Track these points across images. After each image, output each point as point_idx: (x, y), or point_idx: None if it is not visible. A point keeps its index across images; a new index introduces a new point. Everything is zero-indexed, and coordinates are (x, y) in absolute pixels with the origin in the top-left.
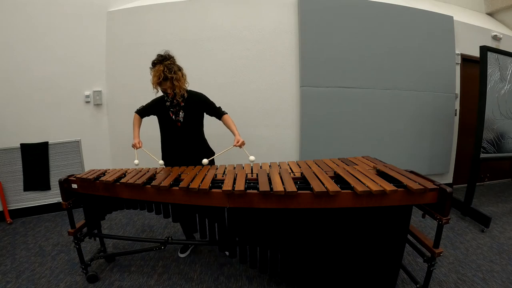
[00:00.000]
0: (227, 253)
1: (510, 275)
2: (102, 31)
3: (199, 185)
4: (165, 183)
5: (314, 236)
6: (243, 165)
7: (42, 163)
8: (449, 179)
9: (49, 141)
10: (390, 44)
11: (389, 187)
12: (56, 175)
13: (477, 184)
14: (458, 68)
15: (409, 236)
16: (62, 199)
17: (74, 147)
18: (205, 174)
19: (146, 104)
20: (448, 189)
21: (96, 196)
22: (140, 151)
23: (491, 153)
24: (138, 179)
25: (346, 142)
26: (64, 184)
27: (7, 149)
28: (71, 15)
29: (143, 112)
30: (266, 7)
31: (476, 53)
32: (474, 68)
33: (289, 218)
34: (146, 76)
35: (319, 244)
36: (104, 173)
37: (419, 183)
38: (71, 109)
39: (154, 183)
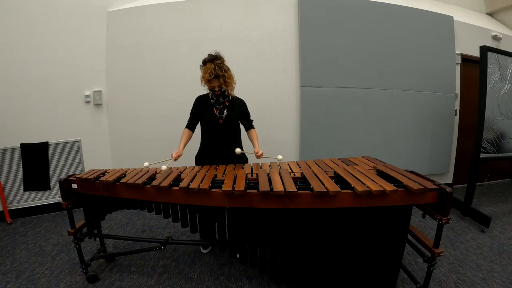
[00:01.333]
0: (238, 255)
1: (510, 275)
2: (102, 31)
3: (199, 185)
4: (165, 183)
5: (314, 236)
6: (243, 165)
7: (42, 163)
8: (449, 179)
9: (49, 141)
10: (390, 44)
11: (389, 187)
12: (56, 175)
13: (477, 184)
14: (458, 68)
15: (409, 236)
16: (62, 199)
17: (74, 147)
18: (205, 174)
19: (190, 113)
20: (448, 189)
21: (96, 196)
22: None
23: (491, 153)
24: (138, 179)
25: (346, 142)
26: (64, 184)
27: (7, 149)
28: (71, 15)
29: (191, 122)
30: (266, 7)
31: (476, 53)
32: (474, 68)
33: (289, 218)
34: (146, 76)
35: (319, 244)
36: (104, 173)
37: (419, 183)
38: (71, 109)
39: (154, 183)
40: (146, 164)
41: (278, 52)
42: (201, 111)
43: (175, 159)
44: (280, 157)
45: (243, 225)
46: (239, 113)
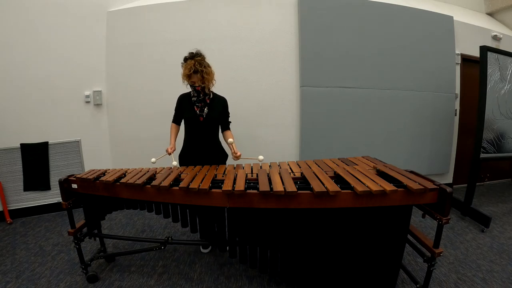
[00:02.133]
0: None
1: (510, 275)
2: (102, 31)
3: (199, 185)
4: (165, 183)
5: (314, 236)
6: (243, 165)
7: (42, 163)
8: (449, 179)
9: (49, 141)
10: (390, 44)
11: (389, 187)
12: (56, 175)
13: (477, 184)
14: (458, 68)
15: (409, 236)
16: (62, 199)
17: (74, 147)
18: (205, 174)
19: (174, 109)
20: (448, 189)
21: (96, 196)
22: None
23: (491, 153)
24: (138, 179)
25: (346, 142)
26: (64, 184)
27: (7, 149)
28: (71, 15)
29: (176, 117)
30: (266, 7)
31: (476, 53)
32: (474, 68)
33: (289, 218)
34: (146, 76)
35: (319, 244)
36: (104, 173)
37: (419, 183)
38: (71, 109)
39: (154, 183)
40: (153, 160)
41: (278, 52)
42: (183, 109)
43: (170, 154)
44: (261, 157)
45: (243, 225)
46: (221, 111)
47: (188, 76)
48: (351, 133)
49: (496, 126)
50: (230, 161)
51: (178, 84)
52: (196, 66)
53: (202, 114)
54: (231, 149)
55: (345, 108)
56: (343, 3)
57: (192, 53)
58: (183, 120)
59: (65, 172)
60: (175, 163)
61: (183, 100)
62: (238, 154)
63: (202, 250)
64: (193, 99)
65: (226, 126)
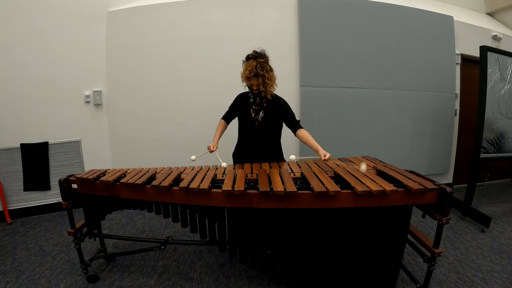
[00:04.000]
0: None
1: (510, 275)
2: (102, 31)
3: (199, 185)
4: (165, 183)
5: (314, 236)
6: (243, 165)
7: (42, 163)
8: (449, 179)
9: (49, 141)
10: (390, 44)
11: (389, 187)
12: (56, 175)
13: (477, 184)
14: (458, 68)
15: (409, 236)
16: (62, 199)
17: (74, 147)
18: (205, 174)
19: (229, 106)
20: (448, 189)
21: (96, 196)
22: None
23: (491, 153)
24: (138, 179)
25: (346, 142)
26: (64, 184)
27: (7, 149)
28: (71, 15)
29: (228, 114)
30: (266, 7)
31: (476, 53)
32: (474, 68)
33: (289, 218)
34: (146, 76)
35: (319, 244)
36: (104, 173)
37: (419, 183)
38: (71, 109)
39: (154, 183)
40: (193, 157)
41: (278, 51)
42: (239, 109)
43: (212, 152)
44: (363, 167)
45: (243, 225)
46: (278, 116)
47: (247, 78)
48: (351, 133)
49: (496, 126)
50: None
51: (178, 83)
52: (257, 69)
53: (257, 118)
54: (318, 151)
55: (345, 108)
56: (343, 3)
57: (257, 52)
58: (237, 119)
59: (65, 172)
60: (224, 164)
61: (240, 100)
62: (328, 156)
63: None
64: (250, 100)
65: (294, 127)
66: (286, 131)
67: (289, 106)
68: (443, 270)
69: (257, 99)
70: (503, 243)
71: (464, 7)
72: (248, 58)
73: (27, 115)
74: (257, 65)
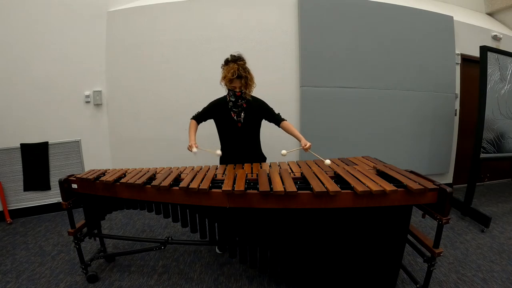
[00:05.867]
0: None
1: (510, 275)
2: (102, 31)
3: (199, 185)
4: (165, 183)
5: (314, 236)
6: (243, 165)
7: (42, 163)
8: (449, 179)
9: (49, 141)
10: (390, 44)
11: (389, 187)
12: (56, 175)
13: (477, 184)
14: (458, 68)
15: (409, 236)
16: (62, 199)
17: (74, 147)
18: (205, 174)
19: (203, 109)
20: (448, 189)
21: (96, 196)
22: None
23: (491, 153)
24: (138, 179)
25: (346, 142)
26: (64, 184)
27: (7, 149)
28: (71, 15)
29: (200, 117)
30: (266, 7)
31: (476, 53)
32: (474, 68)
33: (289, 218)
34: (146, 76)
35: (319, 244)
36: (104, 173)
37: (419, 183)
38: (71, 109)
39: (154, 183)
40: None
41: (278, 52)
42: (217, 116)
43: (196, 146)
44: (327, 161)
45: (243, 225)
46: (259, 114)
47: (230, 81)
48: (351, 133)
49: (496, 126)
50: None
51: (178, 83)
52: (240, 71)
53: (239, 119)
54: (300, 140)
55: (345, 108)
56: (343, 3)
57: (235, 56)
58: (217, 127)
59: (65, 172)
60: (219, 151)
61: (217, 106)
62: (308, 145)
63: (218, 250)
64: (229, 104)
65: (277, 120)
66: (266, 130)
67: (266, 103)
68: (443, 270)
69: (239, 100)
70: (503, 243)
71: (464, 7)
72: (227, 61)
73: (27, 115)
74: (239, 68)
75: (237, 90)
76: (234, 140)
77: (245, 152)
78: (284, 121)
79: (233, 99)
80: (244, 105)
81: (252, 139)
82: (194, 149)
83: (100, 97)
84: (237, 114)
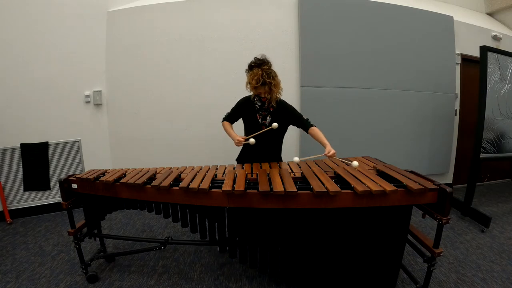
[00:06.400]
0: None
1: (510, 275)
2: (102, 31)
3: (199, 185)
4: (165, 183)
5: (314, 236)
6: (243, 165)
7: (42, 163)
8: (449, 179)
9: (49, 141)
10: (390, 44)
11: (389, 187)
12: (56, 175)
13: (477, 184)
14: (458, 68)
15: (409, 236)
16: (62, 199)
17: (74, 147)
18: (205, 174)
19: (231, 109)
20: (448, 189)
21: (96, 196)
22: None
23: (491, 153)
24: (138, 179)
25: (346, 142)
26: (64, 184)
27: (7, 149)
28: (71, 15)
29: (231, 118)
30: (266, 7)
31: (476, 53)
32: (474, 68)
33: (289, 218)
34: (146, 76)
35: (319, 244)
36: (104, 173)
37: (419, 183)
38: (71, 109)
39: (154, 183)
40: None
41: (278, 52)
42: (244, 115)
43: (245, 138)
44: (355, 163)
45: (243, 225)
46: (286, 119)
47: (254, 88)
48: (351, 133)
49: (496, 126)
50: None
51: (178, 83)
52: (264, 78)
53: (264, 123)
54: (325, 147)
55: (345, 108)
56: (343, 3)
57: (259, 59)
58: (244, 125)
59: (65, 172)
60: (253, 140)
61: (244, 105)
62: (332, 152)
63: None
64: (256, 106)
65: (306, 126)
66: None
67: (294, 108)
68: (443, 270)
69: (266, 105)
70: (503, 243)
71: (464, 7)
72: (251, 67)
73: (27, 115)
74: (263, 73)
75: (263, 96)
76: (257, 142)
77: (264, 155)
78: (313, 127)
79: (259, 104)
80: (271, 109)
81: (274, 143)
82: (252, 140)
83: (100, 97)
84: (263, 117)
